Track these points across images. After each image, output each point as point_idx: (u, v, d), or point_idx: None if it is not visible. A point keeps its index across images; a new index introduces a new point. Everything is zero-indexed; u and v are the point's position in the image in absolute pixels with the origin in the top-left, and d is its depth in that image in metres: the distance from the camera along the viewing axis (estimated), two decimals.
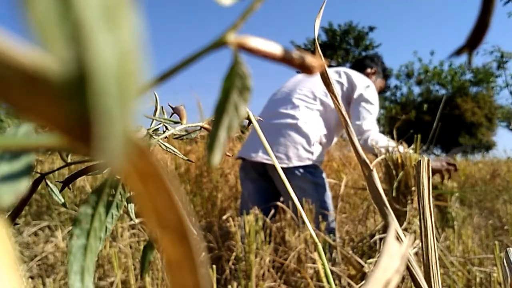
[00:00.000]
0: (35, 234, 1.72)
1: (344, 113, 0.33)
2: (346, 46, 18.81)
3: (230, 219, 1.49)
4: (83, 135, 0.07)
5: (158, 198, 0.11)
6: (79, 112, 0.07)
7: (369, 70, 1.96)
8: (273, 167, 1.64)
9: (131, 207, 0.26)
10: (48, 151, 0.13)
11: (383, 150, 1.70)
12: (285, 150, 1.62)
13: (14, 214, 0.24)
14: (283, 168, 1.60)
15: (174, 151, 0.31)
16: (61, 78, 0.07)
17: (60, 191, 0.28)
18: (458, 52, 0.15)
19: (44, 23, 0.06)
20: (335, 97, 0.31)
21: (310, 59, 0.13)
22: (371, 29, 18.45)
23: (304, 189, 1.62)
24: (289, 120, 1.65)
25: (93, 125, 0.07)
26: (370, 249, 1.42)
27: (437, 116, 2.08)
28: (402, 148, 1.58)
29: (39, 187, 0.27)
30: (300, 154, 1.62)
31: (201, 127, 0.33)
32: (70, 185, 0.29)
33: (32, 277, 1.38)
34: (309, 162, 1.63)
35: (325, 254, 1.36)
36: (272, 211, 1.60)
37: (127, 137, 0.07)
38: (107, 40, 0.07)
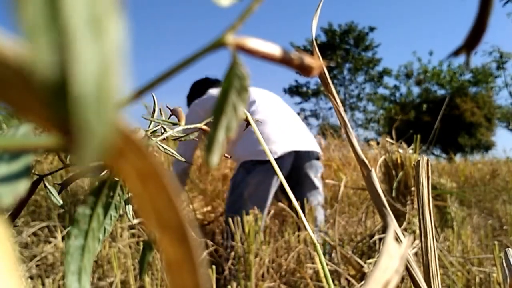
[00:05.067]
0: (35, 234, 1.72)
1: (343, 113, 0.33)
2: (345, 46, 18.81)
3: (230, 219, 1.49)
4: (67, 137, 0.07)
5: (157, 199, 0.11)
6: (60, 115, 0.07)
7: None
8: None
9: (129, 208, 0.25)
10: (46, 151, 0.13)
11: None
12: None
13: (13, 215, 0.24)
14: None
15: (172, 152, 0.31)
16: (44, 81, 0.07)
17: (59, 193, 0.28)
18: (456, 53, 0.15)
19: (32, 26, 0.07)
20: (334, 98, 0.31)
21: (309, 60, 0.13)
22: (371, 29, 18.46)
23: None
24: None
25: (73, 129, 0.07)
26: (370, 249, 1.42)
27: (438, 117, 2.08)
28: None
29: (39, 187, 0.27)
30: None
31: (199, 128, 0.33)
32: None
33: (31, 277, 1.38)
34: None
35: (325, 254, 1.37)
36: (272, 212, 1.60)
37: (105, 143, 0.07)
38: (90, 48, 0.07)
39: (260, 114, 1.68)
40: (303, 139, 1.69)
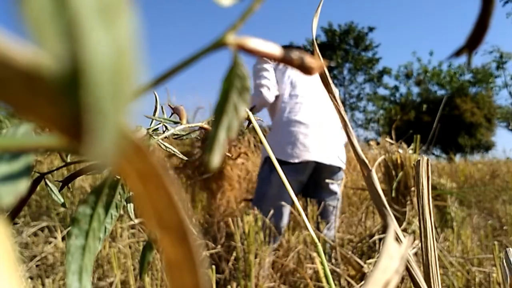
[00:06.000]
0: (35, 234, 1.72)
1: (343, 113, 0.33)
2: (345, 46, 18.81)
3: (230, 219, 1.49)
4: (77, 133, 0.07)
5: (158, 199, 0.11)
6: (72, 109, 0.07)
7: None
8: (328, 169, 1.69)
9: (130, 207, 0.25)
10: (47, 151, 0.13)
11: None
12: None
13: (13, 214, 0.24)
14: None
15: (174, 151, 0.31)
16: (55, 74, 0.07)
17: (59, 191, 0.28)
18: (458, 53, 0.15)
19: (39, 18, 0.06)
20: (334, 98, 0.31)
21: (309, 60, 0.13)
22: (371, 29, 18.46)
23: None
24: None
25: (85, 123, 0.07)
26: (370, 249, 1.42)
27: (437, 117, 2.08)
28: None
29: (39, 188, 0.27)
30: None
31: (201, 127, 0.33)
32: (70, 185, 0.29)
33: (31, 278, 1.38)
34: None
35: (325, 254, 1.37)
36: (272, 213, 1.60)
37: (120, 136, 0.07)
38: (102, 37, 0.07)
39: (301, 113, 1.68)
40: (331, 152, 1.70)
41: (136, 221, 0.24)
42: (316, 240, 0.31)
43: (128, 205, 0.25)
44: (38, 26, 0.06)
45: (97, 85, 0.07)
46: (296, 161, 1.61)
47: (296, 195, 1.74)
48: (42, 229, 1.74)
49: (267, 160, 1.72)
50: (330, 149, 1.70)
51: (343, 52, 18.78)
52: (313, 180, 1.72)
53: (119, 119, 0.07)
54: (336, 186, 1.75)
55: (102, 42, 0.07)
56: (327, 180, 1.69)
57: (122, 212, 0.25)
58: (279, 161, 1.64)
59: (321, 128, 1.70)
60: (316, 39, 0.30)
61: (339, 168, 1.75)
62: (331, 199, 1.73)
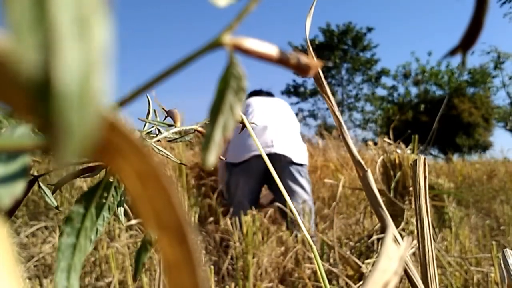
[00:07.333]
0: (33, 234, 1.72)
1: (338, 114, 0.33)
2: (343, 46, 18.81)
3: (228, 219, 1.49)
4: (48, 137, 0.07)
5: (157, 199, 0.11)
6: (43, 115, 0.07)
7: None
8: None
9: (121, 211, 0.25)
10: (44, 152, 0.13)
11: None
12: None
13: (8, 215, 0.24)
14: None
15: (167, 154, 0.31)
16: (29, 80, 0.07)
17: (53, 193, 0.28)
18: (452, 53, 0.15)
19: (19, 25, 0.07)
20: (328, 97, 0.31)
21: (305, 60, 0.13)
22: (369, 29, 18.46)
23: None
24: None
25: (53, 129, 0.07)
26: (368, 250, 1.42)
27: (437, 118, 2.09)
28: None
29: (37, 187, 0.27)
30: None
31: (195, 130, 0.33)
32: (69, 186, 0.29)
33: (29, 278, 1.38)
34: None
35: (324, 254, 1.37)
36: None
37: (85, 145, 0.08)
38: (75, 48, 0.07)
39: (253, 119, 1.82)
40: (277, 145, 1.80)
41: (134, 221, 0.24)
42: (311, 242, 0.32)
43: (119, 208, 0.25)
44: (18, 32, 0.07)
45: (64, 96, 0.07)
46: (237, 161, 1.78)
47: (259, 191, 1.87)
48: (40, 229, 1.74)
49: (225, 165, 1.93)
50: (275, 142, 1.80)
51: (341, 52, 18.77)
52: (269, 177, 1.82)
53: (85, 128, 0.08)
54: (294, 184, 1.79)
55: (74, 54, 0.07)
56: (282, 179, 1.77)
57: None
58: (232, 164, 1.83)
59: (265, 129, 1.84)
60: (314, 39, 0.30)
61: (291, 161, 1.80)
62: (293, 199, 1.76)
